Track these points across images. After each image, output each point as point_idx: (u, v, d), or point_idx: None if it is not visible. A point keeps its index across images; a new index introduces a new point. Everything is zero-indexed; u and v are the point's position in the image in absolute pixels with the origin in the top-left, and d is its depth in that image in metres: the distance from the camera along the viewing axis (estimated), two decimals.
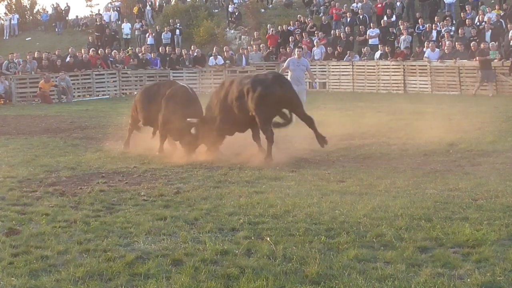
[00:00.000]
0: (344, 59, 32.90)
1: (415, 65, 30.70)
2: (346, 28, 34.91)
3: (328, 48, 33.52)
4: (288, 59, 17.23)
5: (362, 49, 33.13)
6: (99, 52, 34.87)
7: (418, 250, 7.76)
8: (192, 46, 36.34)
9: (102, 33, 40.28)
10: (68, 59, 33.56)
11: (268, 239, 8.24)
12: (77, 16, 48.98)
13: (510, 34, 29.31)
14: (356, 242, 8.08)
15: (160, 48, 36.53)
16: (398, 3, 36.53)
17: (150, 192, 11.29)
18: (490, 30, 30.09)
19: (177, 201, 10.62)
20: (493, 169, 12.80)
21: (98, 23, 41.71)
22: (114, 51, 35.76)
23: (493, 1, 35.23)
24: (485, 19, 31.05)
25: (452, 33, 31.18)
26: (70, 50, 34.85)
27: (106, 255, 7.76)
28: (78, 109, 27.01)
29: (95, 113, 24.83)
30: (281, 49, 35.44)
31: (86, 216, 9.63)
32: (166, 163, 14.00)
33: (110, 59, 34.57)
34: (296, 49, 17.39)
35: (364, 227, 8.76)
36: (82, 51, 34.96)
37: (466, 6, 33.45)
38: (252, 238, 8.38)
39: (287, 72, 17.33)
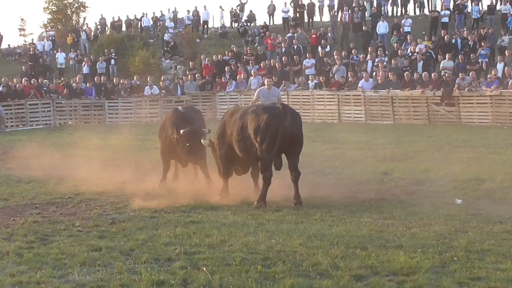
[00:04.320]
0: (279, 89, 32.95)
1: (349, 95, 30.96)
2: (283, 58, 35.08)
3: (264, 78, 33.56)
4: (258, 89, 16.53)
5: (295, 79, 33.30)
6: (31, 82, 34.42)
7: (354, 279, 7.83)
8: (135, 77, 36.06)
9: (36, 63, 39.81)
10: (1, 88, 32.99)
11: (205, 269, 8.23)
12: (9, 45, 48.27)
13: (441, 65, 29.91)
14: (292, 271, 8.11)
15: (95, 78, 36.22)
16: (329, 34, 36.97)
17: (85, 223, 11.19)
18: (422, 61, 30.64)
19: (112, 231, 10.54)
20: (426, 197, 13.02)
21: (31, 53, 41.22)
22: (45, 81, 35.26)
23: (423, 32, 35.90)
24: (417, 49, 31.62)
25: (385, 63, 31.61)
26: (3, 79, 34.24)
27: None
28: (11, 139, 26.61)
29: (28, 143, 24.47)
30: (217, 79, 35.43)
31: (19, 248, 9.50)
32: (101, 193, 13.87)
33: (44, 88, 34.16)
34: (266, 80, 16.64)
35: (300, 256, 8.80)
36: (15, 81, 34.40)
37: (400, 37, 34.20)
38: (189, 268, 8.35)
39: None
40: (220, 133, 13.60)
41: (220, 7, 46.36)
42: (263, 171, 12.57)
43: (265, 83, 16.41)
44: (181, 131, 13.92)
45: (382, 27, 36.40)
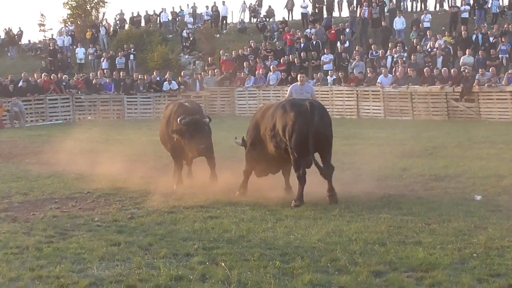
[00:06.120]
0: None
1: (368, 91, 30.91)
2: (301, 54, 35.03)
3: (282, 74, 33.60)
4: (291, 86, 16.13)
5: (314, 74, 33.25)
6: (51, 77, 34.55)
7: (372, 275, 7.80)
8: (154, 72, 36.14)
9: (55, 58, 39.96)
10: (21, 83, 33.17)
11: (223, 264, 8.23)
12: (29, 41, 48.51)
13: (461, 61, 29.77)
14: (310, 267, 8.10)
15: (114, 73, 36.30)
16: (347, 30, 36.87)
17: (104, 218, 11.21)
18: (441, 57, 30.49)
19: (131, 226, 10.56)
20: (445, 193, 12.96)
21: (51, 48, 41.37)
22: (65, 76, 35.34)
23: (443, 28, 35.75)
24: (436, 45, 31.48)
25: (404, 59, 31.49)
26: (23, 74, 34.42)
27: (59, 282, 7.68)
28: (31, 134, 26.74)
29: (48, 138, 24.59)
30: (237, 74, 35.42)
31: (39, 242, 9.53)
32: (120, 188, 13.89)
33: (64, 83, 34.28)
34: (299, 75, 16.33)
35: (318, 251, 8.78)
36: (35, 76, 34.56)
37: (418, 33, 34.11)
38: (207, 263, 8.36)
39: None
40: (252, 134, 13.23)
41: (244, 2, 46.36)
42: (296, 170, 12.32)
43: (298, 79, 16.10)
44: (179, 120, 13.51)
45: (399, 23, 36.30)
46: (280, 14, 43.89)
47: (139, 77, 35.20)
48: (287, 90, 16.47)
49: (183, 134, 13.62)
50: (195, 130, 13.55)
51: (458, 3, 37.22)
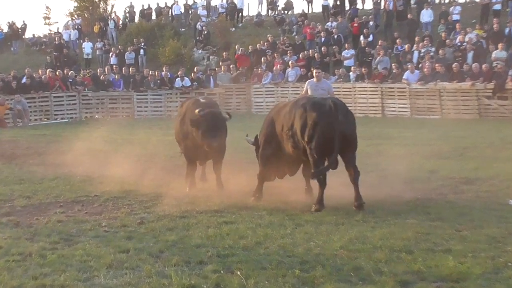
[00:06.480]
0: None
1: (393, 88, 30.80)
2: (322, 48, 34.94)
3: (302, 70, 33.53)
4: (307, 81, 16.20)
5: (336, 70, 33.15)
6: (57, 73, 34.60)
7: (399, 285, 7.76)
8: (165, 68, 36.11)
9: (61, 53, 40.08)
10: (24, 80, 33.21)
11: (239, 273, 8.21)
12: (34, 35, 48.74)
13: (493, 55, 29.59)
14: (332, 276, 8.06)
15: (123, 69, 36.32)
16: (371, 23, 36.72)
17: (111, 223, 11.21)
18: (472, 51, 30.32)
19: (140, 232, 10.55)
20: (476, 197, 12.87)
21: (57, 42, 41.51)
22: (71, 72, 35.35)
23: (474, 20, 35.58)
24: (466, 39, 31.29)
25: (432, 53, 31.34)
26: (26, 70, 34.45)
27: None
28: (35, 134, 26.81)
29: (53, 138, 24.66)
30: (254, 69, 35.37)
31: (43, 249, 9.54)
32: (129, 191, 13.88)
33: (70, 80, 34.31)
34: (315, 71, 16.13)
35: (340, 259, 8.74)
36: (40, 72, 34.61)
37: (447, 26, 33.95)
38: (222, 271, 8.33)
39: None
40: (267, 132, 13.21)
41: None
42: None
43: (314, 74, 16.03)
44: (197, 111, 13.35)
45: (426, 15, 36.21)
46: (300, 6, 44.01)
47: (150, 73, 35.20)
48: None
49: (199, 125, 13.47)
50: (211, 124, 13.37)
51: None
